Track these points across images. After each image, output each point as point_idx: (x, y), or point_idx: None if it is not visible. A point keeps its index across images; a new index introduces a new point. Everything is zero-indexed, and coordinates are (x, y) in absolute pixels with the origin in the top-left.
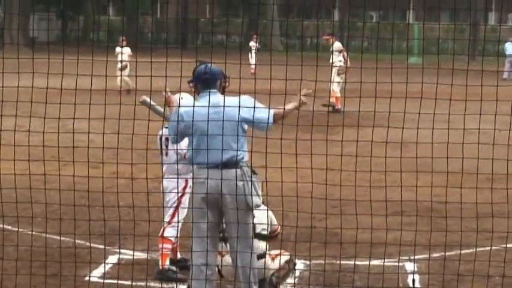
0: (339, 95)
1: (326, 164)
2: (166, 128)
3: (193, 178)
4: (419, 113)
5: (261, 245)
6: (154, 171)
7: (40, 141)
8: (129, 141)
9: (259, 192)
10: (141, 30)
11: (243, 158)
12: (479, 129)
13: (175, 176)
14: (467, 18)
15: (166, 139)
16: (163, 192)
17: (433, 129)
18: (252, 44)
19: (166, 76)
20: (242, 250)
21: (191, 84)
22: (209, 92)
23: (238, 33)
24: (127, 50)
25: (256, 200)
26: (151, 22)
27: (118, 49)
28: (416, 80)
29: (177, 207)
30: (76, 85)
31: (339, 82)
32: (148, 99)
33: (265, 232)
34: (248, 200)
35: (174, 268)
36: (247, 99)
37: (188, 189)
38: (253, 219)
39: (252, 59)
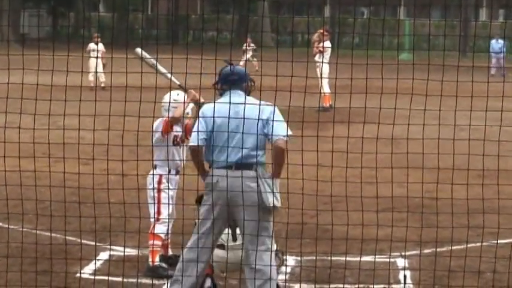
0: (329, 91)
1: (317, 161)
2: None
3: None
4: (410, 109)
5: None
6: (145, 167)
7: (31, 137)
8: (120, 137)
9: (278, 197)
10: (131, 27)
11: (259, 159)
12: (470, 125)
13: (150, 173)
14: (458, 15)
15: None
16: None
17: (424, 125)
18: (247, 47)
19: (156, 73)
20: (259, 251)
21: (217, 86)
22: (232, 92)
23: (229, 30)
24: (101, 47)
25: (274, 200)
26: (141, 19)
27: (92, 45)
28: (407, 76)
29: (158, 203)
30: (66, 81)
31: (328, 79)
32: (140, 51)
33: None
34: (265, 201)
35: (164, 265)
36: (273, 109)
37: (164, 185)
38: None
39: (243, 57)
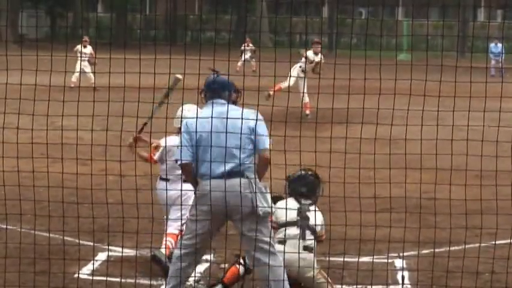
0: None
1: (315, 161)
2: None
3: (194, 190)
4: (408, 110)
5: None
6: (143, 168)
7: (29, 138)
8: (118, 138)
9: (269, 202)
10: (130, 27)
11: (249, 167)
12: (468, 125)
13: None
14: (456, 15)
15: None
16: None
17: (422, 125)
18: (245, 47)
19: (155, 73)
20: (262, 262)
21: (202, 94)
22: (215, 102)
23: (228, 30)
24: (90, 50)
25: (265, 208)
26: (140, 19)
27: (79, 48)
28: (405, 76)
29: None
30: (65, 82)
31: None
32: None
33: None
34: (255, 209)
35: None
36: (257, 118)
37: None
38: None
39: (242, 57)
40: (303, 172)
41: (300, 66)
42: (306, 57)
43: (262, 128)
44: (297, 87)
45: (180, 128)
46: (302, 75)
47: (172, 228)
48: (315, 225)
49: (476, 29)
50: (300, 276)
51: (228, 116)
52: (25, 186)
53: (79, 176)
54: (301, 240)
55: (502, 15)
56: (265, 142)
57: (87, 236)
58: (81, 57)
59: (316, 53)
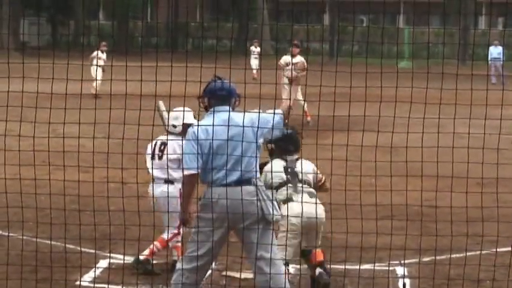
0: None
1: (316, 168)
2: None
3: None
4: (409, 118)
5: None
6: (145, 175)
7: (30, 145)
8: (120, 145)
9: (277, 209)
10: (131, 35)
11: (256, 175)
12: (469, 133)
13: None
14: (457, 22)
15: (163, 143)
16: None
17: (423, 133)
18: (253, 49)
19: (156, 80)
20: (265, 271)
21: (203, 100)
22: (221, 109)
23: (229, 38)
24: (104, 56)
25: (276, 214)
26: (141, 26)
27: (100, 54)
28: (406, 84)
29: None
30: (66, 90)
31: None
32: (162, 107)
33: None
34: (267, 216)
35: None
36: (259, 113)
37: None
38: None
39: (253, 65)
40: (288, 130)
41: (285, 76)
42: (280, 63)
43: (269, 118)
44: (296, 96)
45: (168, 131)
46: (294, 82)
47: (165, 234)
48: (306, 174)
49: (477, 36)
50: (319, 224)
51: (236, 124)
52: (27, 194)
53: (81, 183)
54: (305, 194)
55: (503, 23)
56: (279, 121)
57: (89, 244)
58: (94, 63)
59: (294, 56)
